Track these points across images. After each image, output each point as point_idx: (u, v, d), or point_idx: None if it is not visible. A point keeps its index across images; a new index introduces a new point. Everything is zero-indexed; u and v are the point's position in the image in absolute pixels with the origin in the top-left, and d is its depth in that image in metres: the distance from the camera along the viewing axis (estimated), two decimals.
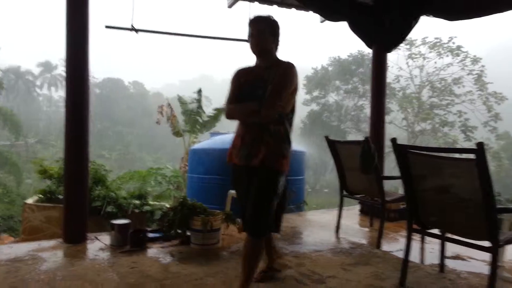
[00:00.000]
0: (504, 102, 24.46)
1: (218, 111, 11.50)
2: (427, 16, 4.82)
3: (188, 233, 3.56)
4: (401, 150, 2.68)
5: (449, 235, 2.76)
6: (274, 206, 2.36)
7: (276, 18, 2.46)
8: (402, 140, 21.61)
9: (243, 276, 2.34)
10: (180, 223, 3.52)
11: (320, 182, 30.07)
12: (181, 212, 3.52)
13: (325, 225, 4.55)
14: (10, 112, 25.67)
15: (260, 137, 2.34)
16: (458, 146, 21.73)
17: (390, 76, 24.52)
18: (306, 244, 3.81)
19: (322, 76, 30.15)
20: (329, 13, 5.02)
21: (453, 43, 24.51)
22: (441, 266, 3.07)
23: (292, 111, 2.45)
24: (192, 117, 11.56)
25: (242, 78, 2.49)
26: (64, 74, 3.73)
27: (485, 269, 2.88)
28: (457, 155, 2.72)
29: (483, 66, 24.45)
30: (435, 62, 25.62)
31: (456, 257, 3.38)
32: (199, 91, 11.92)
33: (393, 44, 5.20)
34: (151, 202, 5.70)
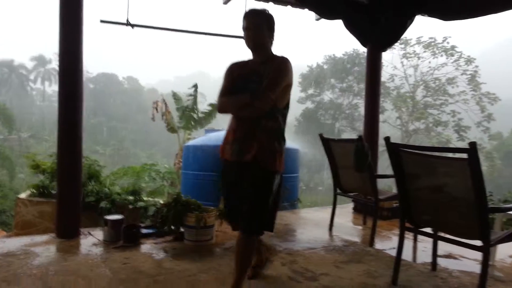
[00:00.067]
0: (497, 103, 24.66)
1: (213, 107, 11.44)
2: (422, 15, 4.84)
3: (182, 230, 3.55)
4: (394, 149, 2.69)
5: (442, 234, 2.79)
6: (270, 205, 2.34)
7: (271, 12, 2.42)
8: (396, 139, 21.70)
9: (236, 273, 2.33)
10: (173, 219, 3.51)
11: (315, 180, 30.15)
12: (175, 208, 3.52)
13: (318, 222, 4.57)
14: (2, 106, 25.48)
15: (253, 132, 2.29)
16: (451, 146, 21.86)
17: (384, 75, 24.62)
18: (299, 241, 3.83)
19: (317, 74, 30.19)
20: (325, 11, 5.02)
21: (448, 43, 24.64)
22: (433, 264, 3.09)
23: (286, 107, 2.41)
24: (187, 114, 11.50)
25: (235, 72, 2.44)
26: (58, 68, 3.70)
27: (476, 268, 2.91)
28: (450, 155, 2.74)
29: (477, 66, 24.61)
30: (430, 62, 25.76)
31: (448, 256, 3.41)
32: (195, 87, 11.76)
33: (388, 43, 5.22)
34: (145, 198, 5.69)
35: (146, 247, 3.39)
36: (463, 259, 3.37)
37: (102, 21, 4.99)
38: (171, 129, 11.70)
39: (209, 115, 11.69)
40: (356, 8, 5.00)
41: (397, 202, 3.26)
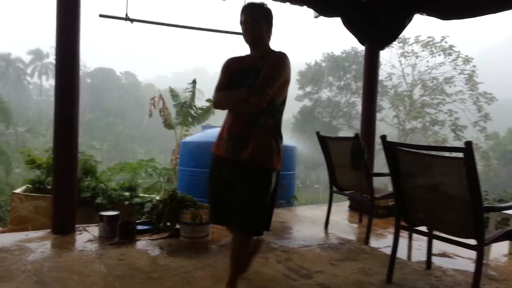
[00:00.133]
0: (494, 103, 24.71)
1: (211, 102, 11.38)
2: (421, 14, 4.84)
3: (178, 226, 3.55)
4: (390, 148, 2.69)
5: (436, 233, 2.80)
6: (267, 204, 2.29)
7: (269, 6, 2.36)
8: (393, 137, 21.78)
9: (231, 271, 2.33)
10: (169, 216, 3.51)
11: (311, 177, 30.19)
12: (171, 204, 3.52)
13: (314, 220, 4.58)
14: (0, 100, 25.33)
15: (249, 129, 2.24)
16: (447, 145, 21.94)
17: (382, 73, 24.61)
18: (295, 239, 3.83)
19: (315, 71, 30.15)
20: (324, 9, 5.01)
21: (446, 42, 24.64)
22: (428, 263, 3.11)
23: (283, 103, 2.36)
24: (184, 110, 11.46)
25: (232, 67, 2.39)
26: (55, 62, 3.68)
27: (471, 267, 2.92)
28: (446, 154, 2.75)
29: (474, 66, 24.63)
30: (427, 61, 25.75)
31: (443, 255, 3.43)
32: (194, 82, 11.64)
33: (386, 41, 5.22)
34: (141, 194, 5.69)
35: (142, 243, 3.39)
36: (458, 257, 3.38)
37: (101, 16, 4.96)
38: (168, 125, 11.67)
39: (206, 111, 11.64)
40: (354, 6, 5.00)
41: (393, 200, 3.27)
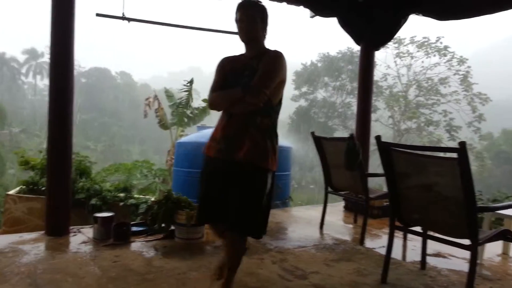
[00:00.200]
0: (488, 103, 24.86)
1: (207, 102, 11.27)
2: (416, 15, 4.85)
3: (173, 227, 3.54)
4: (385, 148, 2.70)
5: (431, 233, 2.81)
6: (263, 205, 2.26)
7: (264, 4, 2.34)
8: (388, 138, 21.83)
9: (227, 273, 2.32)
10: (164, 217, 3.50)
11: (306, 178, 30.22)
12: (166, 205, 3.50)
13: (309, 221, 4.58)
14: None
15: (245, 129, 2.20)
16: (442, 145, 22.04)
17: (378, 74, 24.69)
18: (290, 239, 3.83)
19: (311, 72, 30.20)
20: (319, 8, 5.02)
21: (441, 43, 24.76)
22: (423, 263, 3.12)
23: (279, 103, 2.33)
24: (180, 110, 11.42)
25: (227, 67, 2.35)
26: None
27: (465, 267, 2.93)
28: (441, 154, 2.76)
29: (469, 67, 24.77)
30: (423, 62, 25.87)
31: (437, 255, 3.44)
32: (191, 82, 11.52)
33: (382, 42, 5.23)
34: (136, 195, 5.67)
35: (136, 245, 3.38)
36: (452, 257, 3.40)
37: (97, 15, 4.94)
38: (163, 125, 11.63)
39: (202, 112, 11.61)
40: (351, 6, 5.01)
41: (388, 201, 3.28)
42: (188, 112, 11.45)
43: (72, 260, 2.96)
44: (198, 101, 12.25)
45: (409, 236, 3.73)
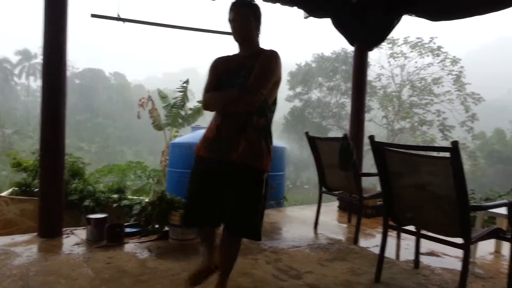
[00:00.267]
0: (481, 103, 25.07)
1: (202, 103, 11.22)
2: (410, 15, 4.88)
3: (167, 228, 3.53)
4: (378, 148, 2.71)
5: (424, 232, 2.83)
6: (261, 206, 2.24)
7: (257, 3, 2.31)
8: (382, 138, 21.92)
9: (220, 273, 2.32)
10: (158, 218, 3.49)
11: (301, 178, 30.27)
12: (159, 206, 3.49)
13: (304, 221, 4.59)
14: None
15: (240, 129, 2.17)
16: (435, 145, 22.16)
17: (371, 74, 24.81)
18: (284, 239, 3.84)
19: (305, 72, 30.27)
20: (313, 9, 5.03)
21: (434, 43, 24.93)
22: (416, 262, 3.13)
23: (274, 103, 2.31)
24: (174, 111, 11.38)
25: (221, 67, 2.32)
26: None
27: (458, 265, 2.94)
28: (434, 154, 2.77)
29: (462, 67, 24.95)
30: (416, 62, 26.03)
31: (431, 254, 3.46)
32: (186, 82, 11.44)
33: (375, 42, 5.26)
34: (129, 197, 5.64)
35: (130, 246, 3.36)
36: (445, 256, 3.42)
37: (93, 15, 4.92)
38: (157, 126, 11.58)
39: (196, 112, 11.58)
40: (344, 7, 5.03)
41: (381, 200, 3.29)
42: (183, 113, 11.42)
43: (65, 262, 2.94)
44: (193, 102, 12.23)
45: (403, 235, 3.75)
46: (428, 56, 25.40)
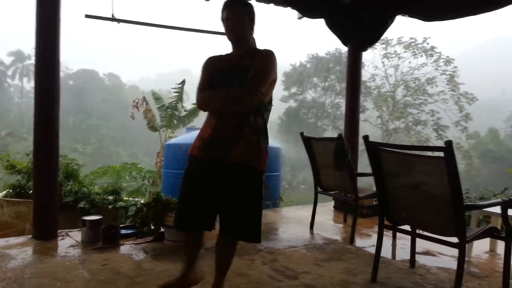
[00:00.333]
0: (474, 103, 25.27)
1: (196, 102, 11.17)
2: (403, 16, 4.90)
3: (162, 230, 3.52)
4: (373, 148, 2.71)
5: (420, 231, 2.84)
6: (261, 206, 2.21)
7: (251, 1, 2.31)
8: (377, 137, 22.02)
9: (217, 275, 2.31)
10: (153, 219, 3.47)
11: (297, 178, 30.32)
12: (155, 208, 3.47)
13: (300, 221, 4.59)
14: None
15: (238, 129, 2.14)
16: (430, 145, 22.28)
17: (366, 74, 24.92)
18: (280, 240, 3.84)
19: (300, 72, 30.33)
20: (307, 10, 5.04)
21: (428, 43, 25.10)
22: (412, 261, 3.15)
23: (270, 102, 2.29)
24: (169, 112, 11.35)
25: (214, 65, 2.28)
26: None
27: (454, 264, 2.95)
28: (429, 153, 2.78)
29: (455, 67, 25.13)
30: (410, 62, 26.21)
31: (426, 253, 3.47)
32: (182, 83, 11.37)
33: (369, 42, 5.27)
34: (125, 198, 5.62)
35: (126, 248, 3.34)
36: (441, 255, 3.43)
37: (87, 16, 4.90)
38: (152, 127, 11.55)
39: (192, 113, 11.56)
40: (337, 8, 5.04)
41: (377, 200, 3.30)
42: (177, 113, 11.39)
43: (60, 264, 2.92)
44: (187, 103, 12.21)
45: (399, 234, 3.74)
46: (421, 56, 25.58)
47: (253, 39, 2.34)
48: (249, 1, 2.32)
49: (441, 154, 2.29)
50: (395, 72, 27.10)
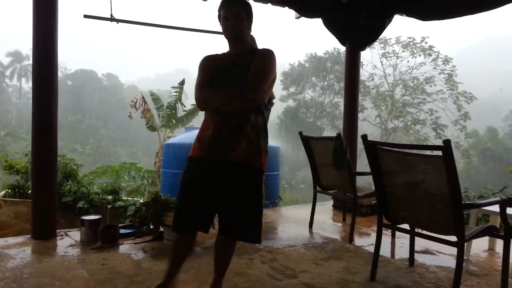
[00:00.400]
0: (473, 102, 25.28)
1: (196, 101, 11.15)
2: (401, 15, 4.91)
3: (161, 229, 3.52)
4: (371, 147, 2.72)
5: (418, 230, 2.84)
6: (262, 206, 2.21)
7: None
8: (376, 137, 22.04)
9: (216, 274, 2.32)
10: (153, 218, 3.47)
11: (296, 177, 30.31)
12: (154, 207, 3.48)
13: (299, 220, 4.59)
14: None
15: (240, 128, 2.11)
16: (428, 144, 22.30)
17: (364, 74, 24.93)
18: (279, 239, 3.84)
19: (299, 72, 30.32)
20: (305, 9, 5.04)
21: (426, 43, 25.10)
22: (411, 260, 3.15)
23: (270, 101, 2.28)
24: (168, 112, 11.35)
25: (212, 64, 2.26)
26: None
27: (452, 263, 2.96)
28: (428, 152, 2.79)
29: (454, 66, 25.14)
30: (408, 61, 26.20)
31: (425, 252, 3.48)
32: (182, 83, 11.34)
33: (367, 42, 5.28)
34: (124, 198, 5.62)
35: (125, 247, 3.34)
36: (440, 254, 3.44)
37: (85, 16, 4.89)
38: (151, 127, 11.55)
39: (191, 113, 11.56)
40: (335, 7, 5.04)
41: (375, 199, 3.31)
42: (176, 113, 11.39)
43: (59, 264, 2.92)
44: (185, 103, 12.21)
45: (397, 233, 3.77)
46: (420, 55, 25.57)
47: (253, 38, 2.34)
48: (247, 0, 2.30)
49: (440, 153, 2.30)
50: (393, 71, 27.10)
